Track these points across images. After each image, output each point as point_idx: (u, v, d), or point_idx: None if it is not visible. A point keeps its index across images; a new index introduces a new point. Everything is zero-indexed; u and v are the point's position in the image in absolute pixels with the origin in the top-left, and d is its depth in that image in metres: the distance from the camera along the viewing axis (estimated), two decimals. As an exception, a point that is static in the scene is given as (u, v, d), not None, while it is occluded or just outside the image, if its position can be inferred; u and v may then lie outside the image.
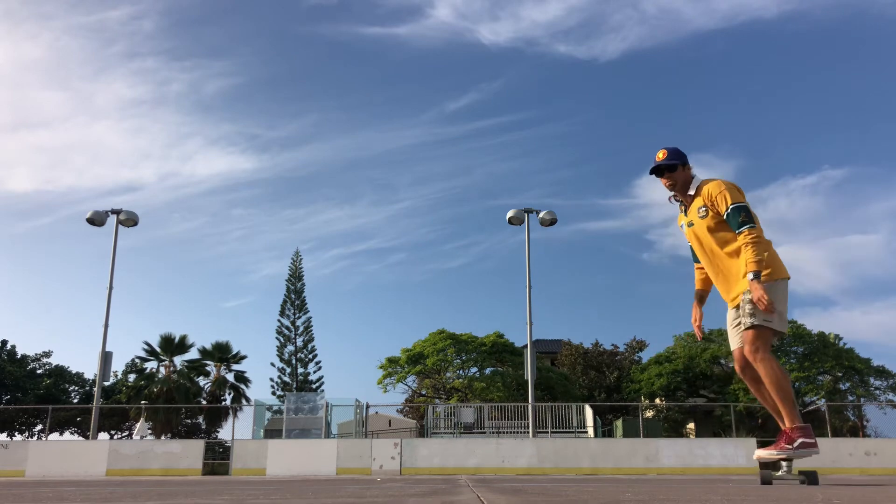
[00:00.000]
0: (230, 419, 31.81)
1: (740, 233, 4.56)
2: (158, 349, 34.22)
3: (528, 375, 20.04)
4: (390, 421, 37.11)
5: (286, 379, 40.02)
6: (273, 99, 79.74)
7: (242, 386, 35.17)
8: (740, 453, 17.80)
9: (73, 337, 69.36)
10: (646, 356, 38.14)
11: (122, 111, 74.96)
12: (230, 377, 35.22)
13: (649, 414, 33.99)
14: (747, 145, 70.35)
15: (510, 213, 21.58)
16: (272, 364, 40.48)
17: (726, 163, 68.62)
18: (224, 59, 76.28)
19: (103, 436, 35.03)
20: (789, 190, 67.67)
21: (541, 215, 21.41)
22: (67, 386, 39.78)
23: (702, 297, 5.12)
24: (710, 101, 71.28)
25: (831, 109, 68.26)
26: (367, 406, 24.29)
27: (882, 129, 64.62)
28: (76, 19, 72.34)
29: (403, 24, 72.19)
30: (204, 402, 34.09)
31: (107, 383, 27.64)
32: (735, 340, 4.73)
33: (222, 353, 34.99)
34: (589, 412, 24.53)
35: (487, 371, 33.05)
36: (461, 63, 76.26)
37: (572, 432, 23.58)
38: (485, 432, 24.25)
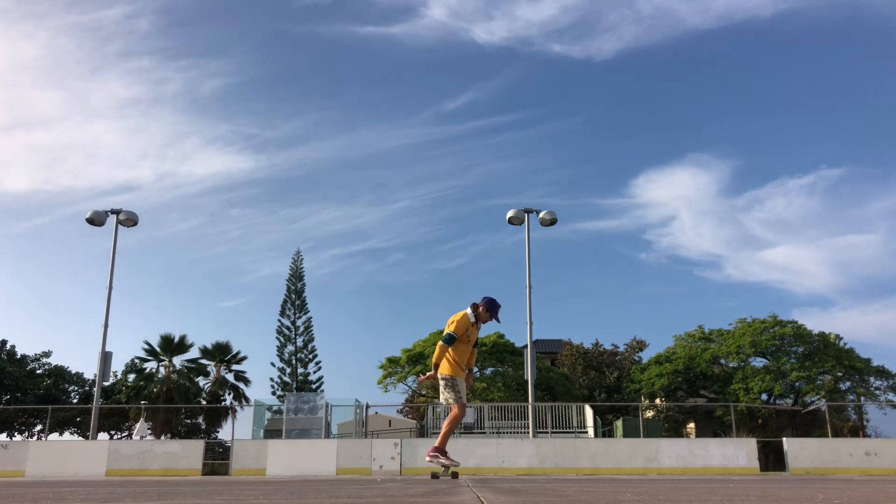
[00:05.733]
0: (230, 419, 31.78)
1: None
2: (158, 349, 34.16)
3: (529, 375, 20.00)
4: (390, 421, 37.10)
5: (286, 379, 40.00)
6: (269, 98, 79.79)
7: (242, 386, 35.12)
8: (741, 453, 17.76)
9: (72, 337, 69.40)
10: (646, 356, 38.13)
11: (118, 111, 75.05)
12: (230, 377, 35.16)
13: (649, 414, 33.94)
14: (744, 145, 70.33)
15: (510, 213, 21.49)
16: (272, 364, 40.51)
17: (723, 162, 68.70)
18: (220, 59, 76.33)
19: (103, 436, 35.01)
20: (786, 189, 67.66)
21: (541, 215, 21.34)
22: (67, 386, 39.75)
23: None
24: (706, 101, 71.28)
25: (828, 109, 68.24)
26: (367, 406, 24.25)
27: (879, 128, 64.62)
28: (72, 18, 72.40)
29: (398, 23, 72.22)
30: (204, 403, 34.04)
31: (106, 383, 27.63)
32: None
33: (222, 353, 34.90)
34: (589, 412, 24.49)
35: (488, 371, 33.01)
36: (457, 63, 76.31)
37: (572, 432, 23.54)
38: (485, 432, 24.21)
